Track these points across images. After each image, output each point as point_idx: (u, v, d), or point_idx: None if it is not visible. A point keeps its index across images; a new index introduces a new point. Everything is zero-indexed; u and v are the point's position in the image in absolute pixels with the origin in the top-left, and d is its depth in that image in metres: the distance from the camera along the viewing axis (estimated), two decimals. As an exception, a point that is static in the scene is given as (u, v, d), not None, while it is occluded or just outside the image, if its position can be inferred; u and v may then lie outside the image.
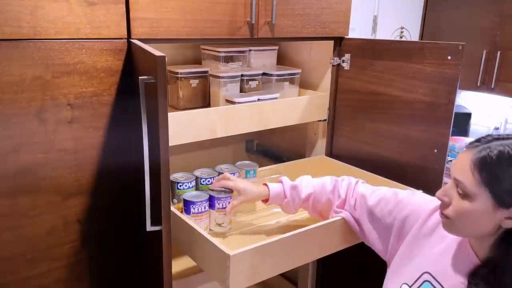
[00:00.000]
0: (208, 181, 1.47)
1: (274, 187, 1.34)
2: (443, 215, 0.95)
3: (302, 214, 1.49)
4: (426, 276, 1.02)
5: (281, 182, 1.36)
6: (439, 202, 0.98)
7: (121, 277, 1.36)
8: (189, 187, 1.43)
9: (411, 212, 1.13)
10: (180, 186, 1.42)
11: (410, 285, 1.04)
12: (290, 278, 2.04)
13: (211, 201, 1.34)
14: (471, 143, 0.93)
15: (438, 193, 0.95)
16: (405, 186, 1.49)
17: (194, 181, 1.45)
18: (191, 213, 1.31)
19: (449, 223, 0.94)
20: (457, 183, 0.91)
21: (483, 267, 0.93)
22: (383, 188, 1.26)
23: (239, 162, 1.61)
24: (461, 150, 0.93)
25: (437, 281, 1.00)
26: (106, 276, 1.34)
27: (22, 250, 1.18)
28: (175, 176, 1.44)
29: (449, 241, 1.02)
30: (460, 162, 0.91)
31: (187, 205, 1.32)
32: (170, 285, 1.08)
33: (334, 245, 1.31)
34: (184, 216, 1.28)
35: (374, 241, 1.21)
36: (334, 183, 1.33)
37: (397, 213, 1.15)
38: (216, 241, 1.13)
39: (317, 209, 1.36)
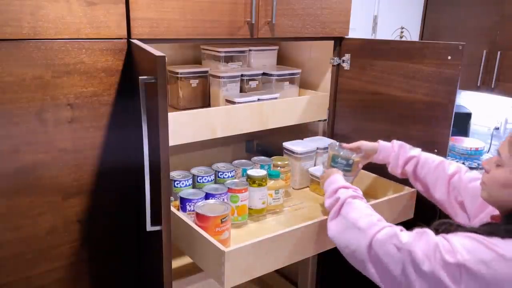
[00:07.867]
0: (205, 179, 1.47)
1: (384, 142, 1.47)
2: (482, 182, 1.08)
3: (301, 214, 1.50)
4: None
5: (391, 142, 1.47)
6: None
7: (121, 277, 1.36)
8: (186, 185, 1.44)
9: None
10: (177, 184, 1.43)
11: None
12: (290, 277, 2.04)
13: (206, 198, 1.35)
14: None
15: (483, 161, 1.09)
16: (405, 187, 1.49)
17: (191, 179, 1.46)
18: (187, 210, 1.32)
19: (485, 188, 1.06)
20: (498, 155, 1.05)
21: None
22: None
23: (236, 161, 1.62)
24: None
25: None
26: (106, 276, 1.34)
27: (22, 250, 1.18)
28: (172, 174, 1.45)
29: None
30: (506, 140, 1.06)
31: (183, 203, 1.33)
32: (170, 285, 1.08)
33: (329, 241, 1.31)
34: (181, 214, 1.29)
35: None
36: (442, 162, 1.35)
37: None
38: (212, 238, 1.14)
39: (418, 177, 1.38)
